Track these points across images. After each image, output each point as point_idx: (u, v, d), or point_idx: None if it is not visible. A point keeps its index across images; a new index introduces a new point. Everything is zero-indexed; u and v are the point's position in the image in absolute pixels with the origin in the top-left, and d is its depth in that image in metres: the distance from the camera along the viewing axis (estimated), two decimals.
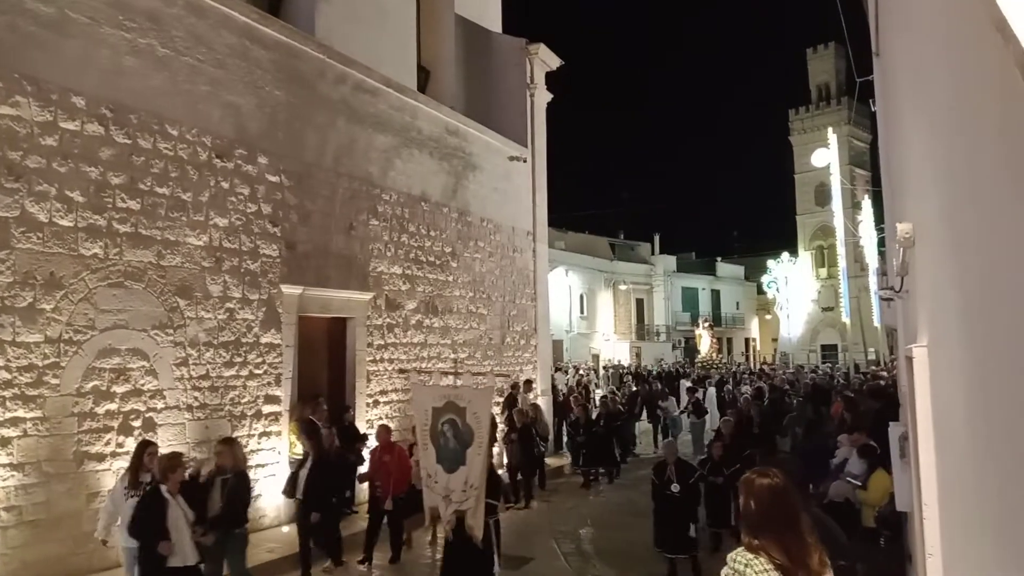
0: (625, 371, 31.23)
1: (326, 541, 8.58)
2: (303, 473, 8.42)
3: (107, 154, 8.05)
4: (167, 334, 8.64)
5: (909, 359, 3.27)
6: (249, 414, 9.65)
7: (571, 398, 17.18)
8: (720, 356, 36.81)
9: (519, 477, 12.54)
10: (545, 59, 17.61)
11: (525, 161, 16.73)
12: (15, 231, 7.15)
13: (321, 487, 8.33)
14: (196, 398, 8.99)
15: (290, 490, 8.73)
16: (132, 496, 6.64)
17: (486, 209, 15.44)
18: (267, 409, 9.92)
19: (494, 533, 7.31)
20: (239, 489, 7.00)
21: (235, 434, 9.02)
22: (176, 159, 8.83)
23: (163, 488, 6.23)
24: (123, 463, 7.91)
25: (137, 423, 8.20)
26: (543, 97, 17.85)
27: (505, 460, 12.97)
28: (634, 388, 21.98)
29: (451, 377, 7.59)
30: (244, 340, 9.64)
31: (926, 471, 2.74)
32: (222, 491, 6.89)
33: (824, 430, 11.70)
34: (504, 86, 17.23)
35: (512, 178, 16.46)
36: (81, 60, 7.84)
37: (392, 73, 12.84)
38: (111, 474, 7.78)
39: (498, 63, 17.35)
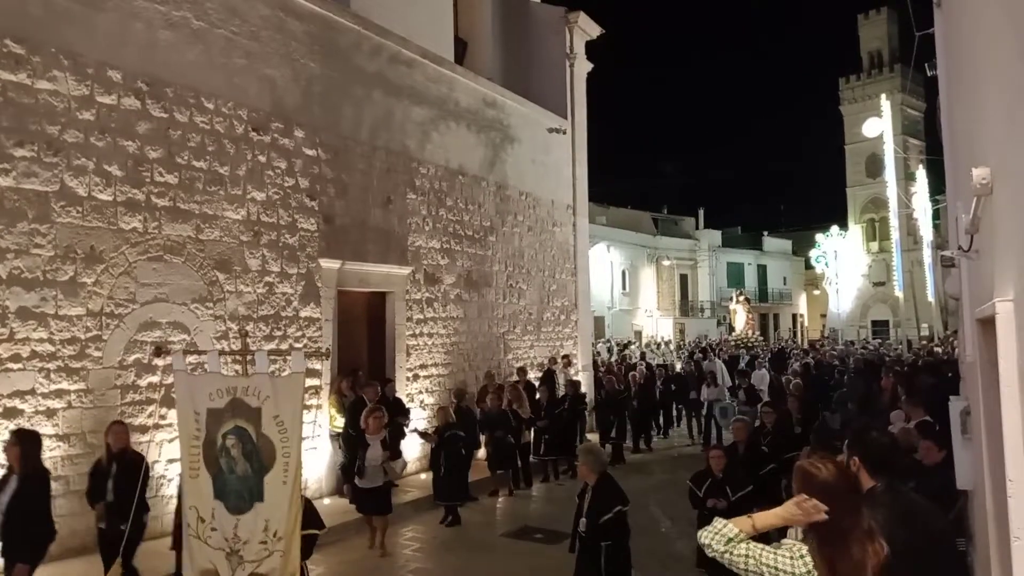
0: (627, 346, 28.19)
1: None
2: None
3: (144, 128, 8.05)
4: (207, 308, 8.67)
5: (983, 321, 2.99)
6: None
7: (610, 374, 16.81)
8: (755, 334, 33.88)
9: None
10: (585, 28, 17.20)
11: (565, 132, 16.41)
12: (55, 205, 7.20)
13: None
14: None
15: None
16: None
17: (525, 182, 15.20)
18: (307, 383, 9.91)
19: None
20: (30, 495, 5.21)
21: None
22: (213, 133, 8.80)
23: None
24: (165, 435, 8.04)
25: None
26: (583, 67, 17.46)
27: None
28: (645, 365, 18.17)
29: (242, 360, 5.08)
30: (283, 314, 9.64)
31: (1012, 441, 2.48)
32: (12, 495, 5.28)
33: (876, 406, 11.35)
34: (543, 56, 16.89)
35: (551, 151, 16.17)
36: (116, 34, 7.82)
37: (429, 44, 12.64)
38: (154, 445, 7.87)
39: (537, 33, 17.01)
